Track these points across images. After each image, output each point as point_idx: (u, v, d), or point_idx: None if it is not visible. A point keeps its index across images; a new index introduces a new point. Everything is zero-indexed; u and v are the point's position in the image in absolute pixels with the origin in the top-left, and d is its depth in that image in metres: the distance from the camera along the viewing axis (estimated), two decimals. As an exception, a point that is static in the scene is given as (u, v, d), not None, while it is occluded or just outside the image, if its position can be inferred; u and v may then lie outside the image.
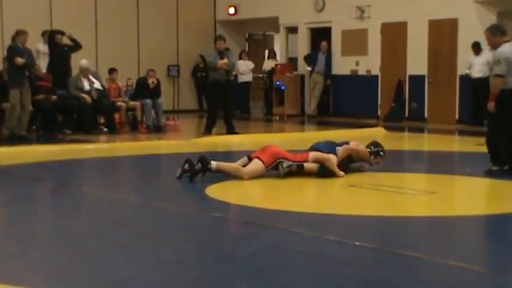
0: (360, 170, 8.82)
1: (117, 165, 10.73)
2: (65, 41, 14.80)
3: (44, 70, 14.54)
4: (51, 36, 14.91)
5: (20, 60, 12.48)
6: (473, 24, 15.98)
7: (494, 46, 8.76)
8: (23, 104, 12.66)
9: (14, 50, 12.73)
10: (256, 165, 8.14)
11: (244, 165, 8.19)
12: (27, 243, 5.49)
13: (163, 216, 6.56)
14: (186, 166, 8.04)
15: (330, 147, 8.58)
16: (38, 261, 4.98)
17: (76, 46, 14.81)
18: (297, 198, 7.70)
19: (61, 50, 14.66)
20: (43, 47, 15.27)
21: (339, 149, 8.54)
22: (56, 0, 18.41)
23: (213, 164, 7.95)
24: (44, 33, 15.57)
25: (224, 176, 8.09)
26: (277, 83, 19.42)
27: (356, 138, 13.32)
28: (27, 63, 12.69)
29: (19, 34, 12.88)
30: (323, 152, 8.44)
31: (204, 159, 7.94)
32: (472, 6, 16.10)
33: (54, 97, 13.78)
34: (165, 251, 5.16)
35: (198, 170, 7.89)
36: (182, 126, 15.14)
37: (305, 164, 8.26)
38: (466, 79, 16.12)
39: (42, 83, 13.99)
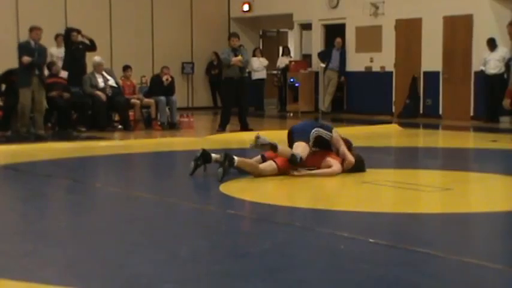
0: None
1: (132, 162, 10.77)
2: (81, 39, 14.85)
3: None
4: (67, 34, 14.98)
5: (26, 59, 12.35)
6: (488, 21, 15.91)
7: None
8: (35, 103, 12.59)
9: (23, 48, 12.60)
10: (271, 168, 8.16)
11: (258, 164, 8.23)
12: (42, 240, 5.52)
13: (178, 213, 6.57)
14: (199, 152, 8.13)
15: (304, 132, 8.36)
16: (53, 257, 5.00)
17: (92, 46, 14.85)
18: (311, 195, 7.69)
19: (76, 47, 14.71)
20: (56, 51, 15.35)
21: (336, 142, 8.39)
22: (71, -1, 18.51)
23: (236, 160, 7.97)
24: (57, 37, 15.62)
25: (238, 173, 8.09)
26: (291, 80, 19.42)
27: (370, 135, 13.36)
28: (35, 62, 12.52)
29: (32, 30, 12.76)
30: (299, 139, 8.31)
31: (228, 156, 7.92)
32: (487, 2, 16.01)
33: (67, 95, 13.82)
34: (179, 247, 5.17)
35: (227, 167, 7.88)
36: (196, 123, 15.16)
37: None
38: (481, 75, 16.05)
39: (56, 80, 14.04)
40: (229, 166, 7.88)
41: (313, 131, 8.32)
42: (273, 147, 8.09)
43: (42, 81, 12.83)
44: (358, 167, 8.46)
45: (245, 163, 8.10)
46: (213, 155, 8.11)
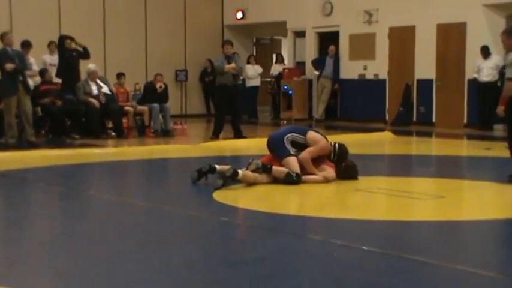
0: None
1: (125, 170, 10.75)
2: (74, 46, 14.83)
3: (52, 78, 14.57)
4: (61, 41, 14.97)
5: (9, 66, 12.04)
6: (481, 28, 15.95)
7: (510, 49, 8.50)
8: (22, 110, 12.32)
9: (2, 56, 12.19)
10: (267, 179, 8.14)
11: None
12: (35, 247, 5.50)
13: (171, 220, 6.56)
14: (206, 168, 8.10)
15: (280, 144, 8.28)
16: (46, 265, 4.98)
17: (85, 54, 14.82)
18: (304, 203, 7.69)
19: (69, 55, 14.70)
20: (49, 58, 15.30)
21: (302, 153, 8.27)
22: (65, 6, 18.48)
23: (240, 174, 7.94)
24: (49, 44, 15.57)
25: (233, 180, 8.08)
26: (285, 87, 19.43)
27: (364, 142, 13.37)
28: (18, 68, 12.18)
29: (3, 37, 12.38)
30: (280, 154, 8.25)
31: (235, 172, 7.89)
32: (480, 10, 16.06)
33: (59, 102, 13.78)
34: (173, 255, 5.16)
35: (229, 181, 7.88)
36: (190, 130, 15.16)
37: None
38: (474, 83, 16.08)
39: (50, 87, 14.02)
40: (231, 180, 7.89)
41: (285, 137, 8.28)
42: (266, 170, 8.11)
43: (27, 87, 12.48)
44: (351, 174, 8.45)
45: (246, 177, 8.06)
46: (217, 167, 8.10)
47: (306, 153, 8.21)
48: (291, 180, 8.04)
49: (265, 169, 8.10)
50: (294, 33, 20.39)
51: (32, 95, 13.65)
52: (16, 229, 6.28)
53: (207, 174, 8.15)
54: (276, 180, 8.12)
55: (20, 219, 6.70)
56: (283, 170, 8.11)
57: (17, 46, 14.30)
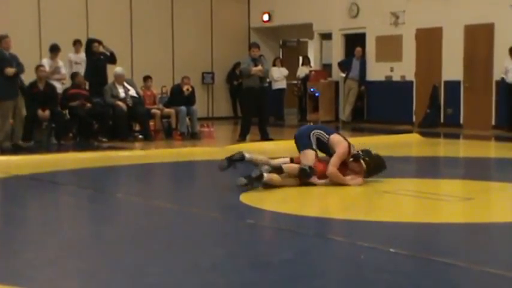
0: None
1: (152, 172, 10.80)
2: (102, 50, 14.93)
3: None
4: (88, 44, 15.08)
5: (10, 70, 11.99)
6: (510, 29, 15.80)
7: None
8: (16, 112, 12.28)
9: (1, 60, 12.07)
10: (293, 181, 8.14)
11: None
12: (64, 249, 5.55)
13: (198, 223, 6.58)
14: (237, 157, 8.19)
15: (305, 136, 8.33)
16: (75, 267, 5.02)
17: (111, 59, 14.92)
18: (331, 205, 7.68)
19: (97, 58, 14.80)
20: (74, 57, 15.38)
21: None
22: (92, 10, 18.62)
23: (265, 177, 7.92)
24: (75, 43, 15.68)
25: (259, 183, 8.08)
26: (311, 89, 19.41)
27: (391, 144, 13.30)
28: (20, 72, 12.19)
29: (1, 40, 12.18)
30: (303, 146, 8.27)
31: (261, 174, 7.89)
32: (508, 11, 15.91)
33: (88, 104, 13.89)
34: (199, 257, 5.18)
35: (253, 181, 7.90)
36: (216, 133, 15.19)
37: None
38: (502, 84, 15.94)
39: (79, 91, 14.10)
40: (257, 183, 7.91)
41: (312, 132, 8.31)
42: (278, 170, 8.11)
43: (22, 90, 12.39)
44: (379, 167, 8.39)
45: (272, 181, 8.05)
46: (246, 155, 8.21)
47: (331, 168, 8.14)
48: (305, 174, 8.04)
49: (276, 169, 8.10)
50: (320, 36, 20.37)
51: (60, 97, 13.83)
52: (46, 232, 6.34)
53: (235, 163, 8.16)
54: (303, 183, 8.12)
55: (49, 221, 6.77)
56: (295, 166, 8.13)
57: (46, 48, 14.47)
